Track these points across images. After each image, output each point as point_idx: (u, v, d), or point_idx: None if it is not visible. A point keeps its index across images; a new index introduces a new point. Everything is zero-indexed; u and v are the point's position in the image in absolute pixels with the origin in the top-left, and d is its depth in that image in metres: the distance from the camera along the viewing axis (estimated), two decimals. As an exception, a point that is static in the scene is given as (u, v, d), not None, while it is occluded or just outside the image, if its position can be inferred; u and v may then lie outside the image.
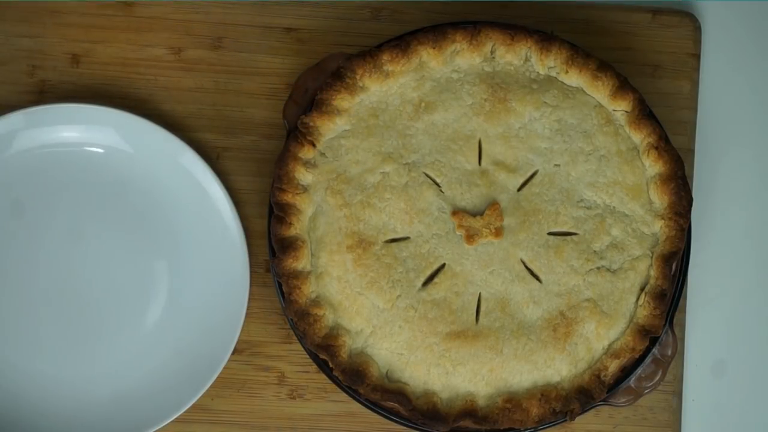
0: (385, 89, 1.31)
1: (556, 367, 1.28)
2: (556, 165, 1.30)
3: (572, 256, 1.28)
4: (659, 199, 1.30)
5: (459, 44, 1.31)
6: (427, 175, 1.30)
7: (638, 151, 1.31)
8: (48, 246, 1.35)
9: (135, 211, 1.35)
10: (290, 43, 1.39)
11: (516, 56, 1.31)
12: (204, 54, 1.38)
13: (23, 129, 1.34)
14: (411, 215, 1.29)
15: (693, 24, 1.40)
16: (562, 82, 1.32)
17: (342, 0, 1.39)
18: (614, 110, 1.31)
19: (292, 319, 1.28)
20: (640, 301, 1.29)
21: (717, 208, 1.41)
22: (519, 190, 1.30)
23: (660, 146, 1.30)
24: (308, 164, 1.30)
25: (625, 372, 1.29)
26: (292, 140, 1.29)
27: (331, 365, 1.27)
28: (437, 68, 1.31)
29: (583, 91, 1.31)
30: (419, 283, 1.28)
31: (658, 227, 1.30)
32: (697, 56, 1.40)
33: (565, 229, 1.29)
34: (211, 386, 1.32)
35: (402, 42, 1.30)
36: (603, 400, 1.29)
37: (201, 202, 1.34)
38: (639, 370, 1.29)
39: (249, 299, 1.32)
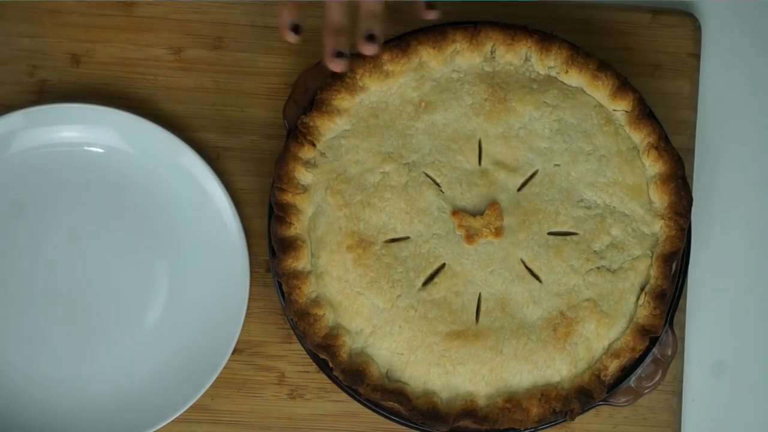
0: (385, 89, 1.31)
1: (556, 366, 1.28)
2: (556, 165, 1.30)
3: (572, 256, 1.28)
4: (659, 198, 1.30)
5: (459, 44, 1.31)
6: (427, 175, 1.30)
7: (638, 151, 1.31)
8: (48, 246, 1.35)
9: (135, 211, 1.35)
10: (290, 43, 1.39)
11: (516, 56, 1.31)
12: (204, 54, 1.38)
13: (23, 129, 1.34)
14: (411, 215, 1.29)
15: (693, 24, 1.40)
16: (562, 82, 1.32)
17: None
18: (614, 110, 1.31)
19: (292, 319, 1.28)
20: (640, 301, 1.29)
21: (717, 208, 1.41)
22: (519, 189, 1.30)
23: (660, 146, 1.30)
24: (308, 164, 1.30)
25: (625, 372, 1.29)
26: (292, 140, 1.29)
27: (331, 365, 1.27)
28: (437, 68, 1.31)
29: (583, 91, 1.31)
30: (419, 283, 1.28)
31: (658, 227, 1.30)
32: (697, 56, 1.40)
33: (565, 229, 1.29)
34: (211, 386, 1.32)
35: (402, 42, 1.31)
36: (603, 400, 1.29)
37: (201, 202, 1.34)
38: (639, 370, 1.29)
39: (249, 299, 1.32)
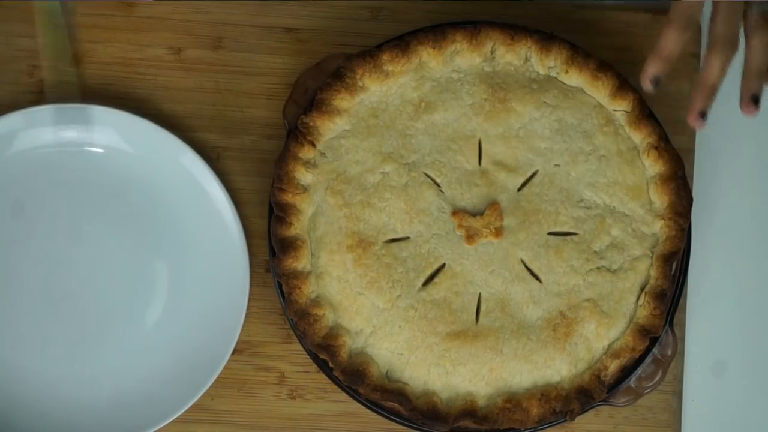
0: (385, 89, 1.31)
1: (556, 367, 1.28)
2: (556, 165, 1.30)
3: (572, 256, 1.28)
4: (659, 199, 1.30)
5: (459, 44, 1.31)
6: (427, 175, 1.30)
7: (638, 151, 1.31)
8: (47, 246, 1.35)
9: (135, 211, 1.35)
10: (290, 43, 1.39)
11: (516, 56, 1.31)
12: (204, 54, 1.38)
13: (23, 129, 1.34)
14: (411, 215, 1.29)
15: (693, 24, 1.40)
16: (562, 82, 1.32)
17: (342, 0, 1.39)
18: (614, 110, 1.31)
19: (292, 319, 1.28)
20: (640, 301, 1.29)
21: (717, 208, 1.41)
22: (519, 190, 1.30)
23: (660, 146, 1.30)
24: (308, 164, 1.30)
25: (625, 372, 1.29)
26: (292, 140, 1.29)
27: (331, 365, 1.27)
28: (437, 68, 1.31)
29: (583, 91, 1.31)
30: (419, 283, 1.28)
31: (658, 227, 1.30)
32: (697, 56, 1.40)
33: (565, 229, 1.29)
34: (211, 386, 1.32)
35: (402, 42, 1.31)
36: (603, 400, 1.29)
37: (201, 202, 1.34)
38: (639, 370, 1.29)
39: (249, 299, 1.32)
